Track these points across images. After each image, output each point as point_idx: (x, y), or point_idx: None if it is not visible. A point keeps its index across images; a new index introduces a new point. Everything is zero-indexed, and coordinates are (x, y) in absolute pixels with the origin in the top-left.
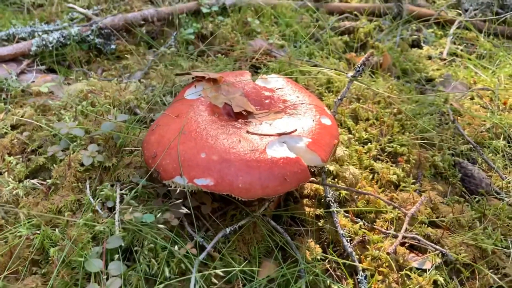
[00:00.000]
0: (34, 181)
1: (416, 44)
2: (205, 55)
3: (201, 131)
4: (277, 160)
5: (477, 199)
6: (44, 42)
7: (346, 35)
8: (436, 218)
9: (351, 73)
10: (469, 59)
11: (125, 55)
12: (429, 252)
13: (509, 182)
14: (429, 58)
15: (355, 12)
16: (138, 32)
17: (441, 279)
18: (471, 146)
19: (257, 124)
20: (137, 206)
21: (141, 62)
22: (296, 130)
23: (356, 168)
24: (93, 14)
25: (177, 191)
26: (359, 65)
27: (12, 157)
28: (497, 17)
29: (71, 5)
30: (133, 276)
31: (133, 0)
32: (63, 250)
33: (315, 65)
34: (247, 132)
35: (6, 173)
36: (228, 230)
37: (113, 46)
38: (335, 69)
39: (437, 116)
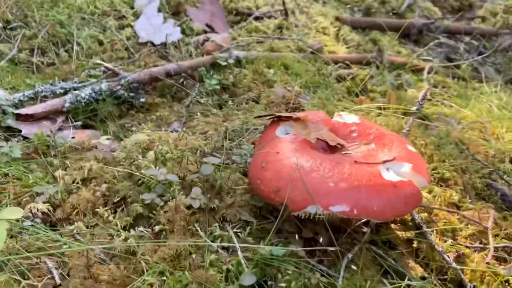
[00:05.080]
0: (141, 228)
1: (400, 88)
2: (229, 103)
3: (317, 164)
4: (396, 183)
5: None
6: (77, 98)
7: (347, 82)
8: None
9: (414, 107)
10: (449, 97)
11: (155, 108)
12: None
13: None
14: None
15: (347, 62)
16: (168, 82)
17: None
18: (490, 169)
19: (355, 155)
20: (255, 242)
21: (173, 113)
22: (395, 157)
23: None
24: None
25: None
26: (420, 100)
27: (102, 209)
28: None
29: (98, 61)
30: None
31: (144, 57)
32: None
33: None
34: (355, 162)
35: (101, 225)
36: (350, 256)
37: (142, 100)
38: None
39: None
